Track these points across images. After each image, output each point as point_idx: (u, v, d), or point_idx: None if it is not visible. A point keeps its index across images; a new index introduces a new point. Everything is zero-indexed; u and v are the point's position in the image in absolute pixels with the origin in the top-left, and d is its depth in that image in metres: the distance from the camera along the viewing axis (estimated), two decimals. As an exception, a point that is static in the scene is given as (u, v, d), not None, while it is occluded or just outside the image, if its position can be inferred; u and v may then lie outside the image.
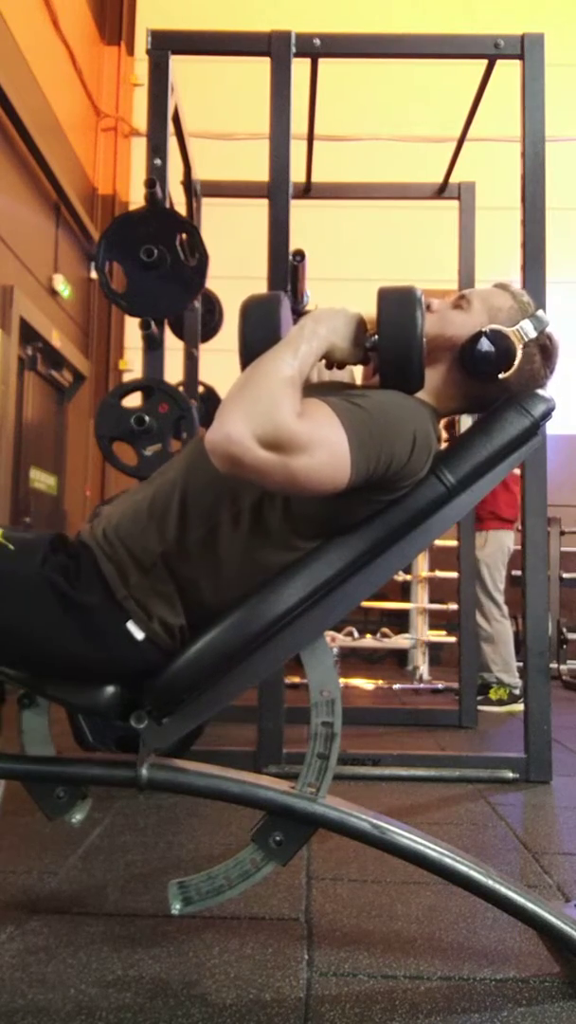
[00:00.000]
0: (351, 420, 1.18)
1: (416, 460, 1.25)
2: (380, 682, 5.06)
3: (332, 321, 1.29)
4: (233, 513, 1.27)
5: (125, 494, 1.43)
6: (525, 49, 2.74)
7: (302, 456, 1.12)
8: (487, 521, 4.33)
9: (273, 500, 1.26)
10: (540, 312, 1.44)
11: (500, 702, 4.17)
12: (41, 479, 5.99)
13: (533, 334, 1.40)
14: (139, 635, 1.26)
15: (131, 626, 1.26)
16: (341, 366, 1.35)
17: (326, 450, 1.14)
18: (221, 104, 6.21)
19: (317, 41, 2.76)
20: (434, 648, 5.70)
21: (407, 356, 1.28)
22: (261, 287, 2.74)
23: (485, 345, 1.37)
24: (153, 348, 2.74)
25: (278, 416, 1.10)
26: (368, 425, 1.19)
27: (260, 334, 1.25)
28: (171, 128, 2.87)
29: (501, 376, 1.37)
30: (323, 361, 1.32)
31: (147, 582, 1.27)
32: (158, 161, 2.73)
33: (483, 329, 1.38)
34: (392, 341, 1.28)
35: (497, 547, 4.40)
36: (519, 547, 2.75)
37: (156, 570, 1.27)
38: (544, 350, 1.44)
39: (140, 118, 7.08)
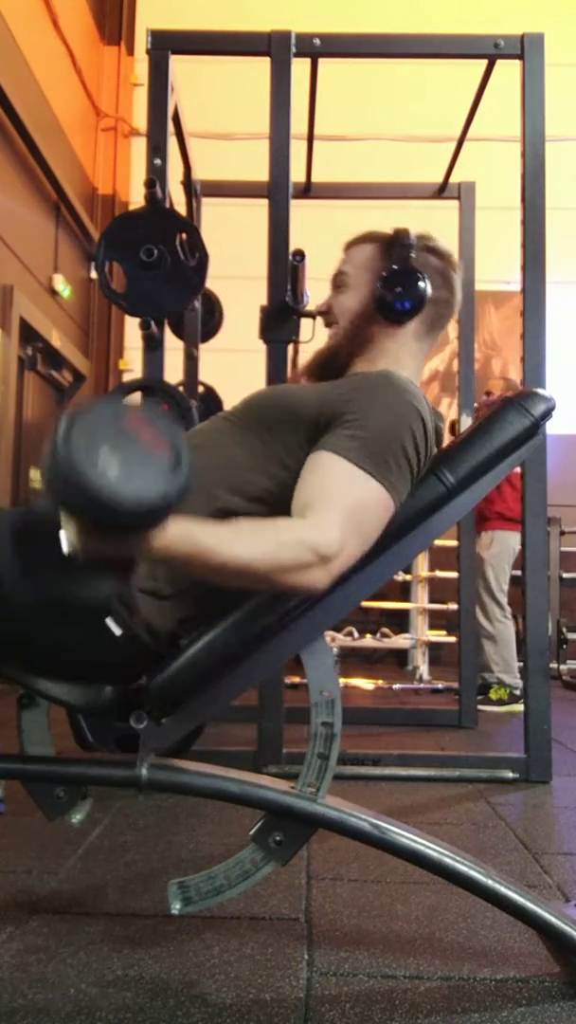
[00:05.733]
0: (364, 457, 1.19)
1: (430, 445, 1.29)
2: (380, 682, 5.06)
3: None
4: (235, 507, 1.27)
5: None
6: (525, 49, 2.74)
7: (358, 537, 1.16)
8: (493, 521, 4.29)
9: (278, 496, 1.26)
10: (397, 231, 1.42)
11: (500, 702, 4.16)
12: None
13: (412, 252, 1.39)
14: (117, 631, 1.22)
15: (110, 622, 1.23)
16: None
17: (369, 514, 1.19)
18: (221, 104, 6.20)
19: (317, 41, 2.76)
20: (434, 648, 5.70)
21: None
22: (261, 287, 2.74)
23: (390, 296, 1.37)
24: (153, 348, 2.74)
25: (315, 549, 1.11)
26: (383, 452, 1.20)
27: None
28: (171, 128, 2.87)
29: (429, 296, 1.38)
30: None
31: (138, 578, 1.24)
32: (158, 161, 2.73)
33: (376, 288, 1.38)
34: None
35: (503, 548, 4.34)
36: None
37: (153, 567, 1.25)
38: (429, 249, 1.43)
39: (140, 118, 7.08)
